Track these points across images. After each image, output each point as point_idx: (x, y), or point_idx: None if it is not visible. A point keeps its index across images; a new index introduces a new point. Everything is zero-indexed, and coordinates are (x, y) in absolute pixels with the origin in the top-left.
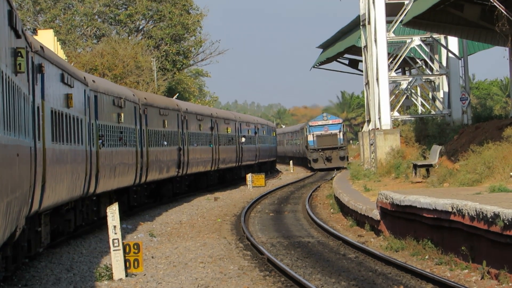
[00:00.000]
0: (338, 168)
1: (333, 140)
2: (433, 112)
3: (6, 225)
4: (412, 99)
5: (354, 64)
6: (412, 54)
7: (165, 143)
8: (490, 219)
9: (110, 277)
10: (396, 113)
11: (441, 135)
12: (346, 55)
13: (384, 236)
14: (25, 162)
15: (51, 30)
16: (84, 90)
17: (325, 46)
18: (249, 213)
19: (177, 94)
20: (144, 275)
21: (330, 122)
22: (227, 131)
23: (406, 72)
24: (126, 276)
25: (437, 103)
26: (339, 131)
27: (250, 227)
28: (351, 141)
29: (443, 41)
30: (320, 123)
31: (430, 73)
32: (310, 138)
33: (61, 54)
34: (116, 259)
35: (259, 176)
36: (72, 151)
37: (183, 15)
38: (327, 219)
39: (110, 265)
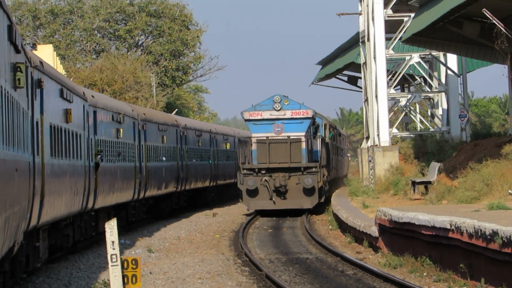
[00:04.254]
0: (302, 213)
1: (293, 151)
2: (432, 129)
3: (4, 240)
4: (411, 116)
5: (353, 80)
6: (411, 71)
7: (164, 158)
8: (489, 237)
9: None
10: (395, 130)
11: (440, 152)
12: (345, 72)
13: (383, 253)
14: (24, 177)
15: (51, 45)
16: (83, 106)
17: (324, 62)
18: (248, 229)
19: (176, 109)
20: None
21: (289, 113)
22: (226, 147)
23: (405, 89)
24: None
25: (436, 120)
26: (306, 135)
27: (248, 243)
28: (349, 157)
29: (442, 58)
30: (266, 114)
31: (429, 90)
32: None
33: (60, 69)
34: (114, 275)
35: None
36: (71, 166)
37: (183, 30)
38: (325, 235)
39: (108, 281)
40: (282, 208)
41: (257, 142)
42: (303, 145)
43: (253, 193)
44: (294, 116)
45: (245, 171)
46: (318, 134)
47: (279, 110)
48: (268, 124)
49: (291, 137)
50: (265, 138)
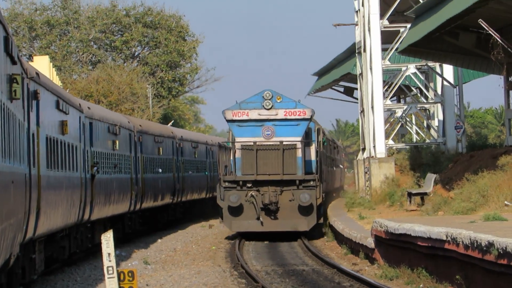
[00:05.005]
0: (296, 236)
1: (286, 161)
2: (427, 141)
3: (0, 252)
4: (407, 127)
5: (349, 91)
6: (407, 82)
7: (160, 170)
8: (485, 248)
9: None
10: (391, 141)
11: (436, 164)
12: (341, 83)
13: (379, 265)
14: (20, 189)
15: (47, 56)
16: (79, 117)
17: (321, 73)
18: (244, 241)
19: (172, 121)
20: None
21: (281, 113)
22: None
23: (401, 100)
24: None
25: (432, 131)
26: (302, 140)
27: (244, 255)
28: (346, 169)
29: (438, 69)
30: (254, 114)
31: (425, 101)
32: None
33: (56, 80)
34: (110, 287)
35: None
36: (67, 178)
37: (179, 42)
38: (321, 247)
39: None
40: (272, 230)
41: (242, 149)
42: (299, 152)
43: (236, 211)
44: (288, 117)
45: (226, 183)
46: (311, 140)
47: (270, 108)
48: (256, 126)
49: (284, 143)
50: (251, 143)
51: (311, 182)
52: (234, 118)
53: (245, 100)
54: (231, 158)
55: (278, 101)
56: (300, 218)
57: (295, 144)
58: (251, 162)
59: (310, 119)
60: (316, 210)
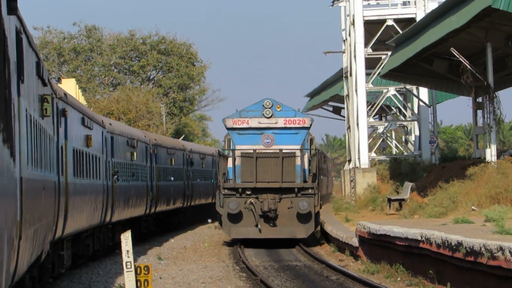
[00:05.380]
0: (295, 243)
1: (285, 169)
2: (405, 153)
3: (33, 249)
4: (388, 141)
5: (337, 110)
6: (388, 102)
7: (172, 178)
8: (454, 247)
9: None
10: (373, 154)
11: (412, 173)
12: (330, 103)
13: (362, 261)
14: (50, 195)
15: (73, 79)
16: (102, 132)
17: (312, 95)
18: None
19: (183, 135)
20: None
21: (281, 122)
22: None
23: (383, 118)
24: None
25: (409, 145)
26: (302, 148)
27: (245, 252)
28: (333, 178)
29: (415, 91)
30: (254, 122)
31: (403, 119)
32: (230, 162)
33: (82, 100)
34: (128, 280)
35: None
36: (91, 185)
37: (189, 67)
38: (312, 245)
39: (123, 285)
40: (270, 237)
41: (242, 156)
42: (298, 160)
43: (235, 218)
44: (288, 125)
45: (226, 191)
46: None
47: (270, 117)
48: (256, 134)
49: (283, 151)
50: (251, 151)
51: (310, 190)
52: (235, 126)
53: (245, 109)
54: (228, 166)
55: (278, 109)
56: (298, 226)
57: (294, 152)
58: (251, 169)
59: (309, 128)
60: (314, 217)
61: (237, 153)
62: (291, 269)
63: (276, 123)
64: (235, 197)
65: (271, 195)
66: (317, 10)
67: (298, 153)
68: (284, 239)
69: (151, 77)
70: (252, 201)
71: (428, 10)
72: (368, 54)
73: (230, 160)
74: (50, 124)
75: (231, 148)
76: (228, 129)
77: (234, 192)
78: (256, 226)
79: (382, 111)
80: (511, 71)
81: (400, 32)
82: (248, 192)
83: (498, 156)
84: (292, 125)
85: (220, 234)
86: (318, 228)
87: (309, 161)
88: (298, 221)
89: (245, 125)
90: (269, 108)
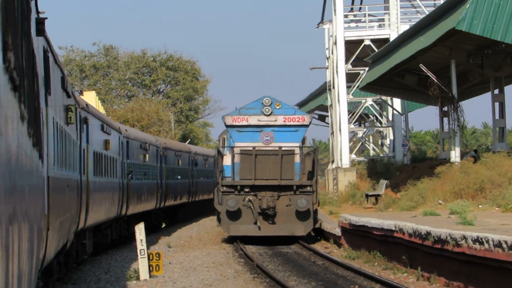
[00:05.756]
0: (293, 241)
1: (284, 166)
2: (381, 155)
3: (59, 238)
4: (366, 145)
5: (322, 118)
6: (366, 111)
7: (179, 177)
8: (424, 236)
9: (137, 278)
10: (353, 155)
11: (387, 172)
12: (316, 112)
13: (344, 248)
14: (74, 191)
15: (94, 92)
16: (119, 137)
17: (300, 105)
18: None
19: (189, 140)
20: (163, 276)
21: (281, 119)
22: None
23: (362, 124)
24: (150, 277)
25: (385, 148)
26: (301, 146)
27: (243, 241)
28: (319, 176)
29: (389, 101)
30: (253, 120)
31: (380, 125)
32: (226, 160)
33: (101, 109)
34: (142, 264)
35: None
36: (109, 183)
37: (193, 81)
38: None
39: (137, 269)
40: (269, 235)
41: (241, 154)
42: (297, 158)
43: (234, 215)
44: (288, 123)
45: (224, 188)
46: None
47: (269, 115)
48: (255, 131)
49: (283, 149)
50: (250, 148)
51: (308, 188)
52: (234, 123)
53: (244, 106)
54: (224, 163)
55: (277, 107)
56: (297, 223)
57: (293, 150)
58: (250, 167)
59: (308, 126)
60: (312, 215)
61: (236, 150)
62: (283, 255)
63: (275, 120)
64: (234, 194)
65: (269, 193)
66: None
67: (297, 150)
68: (283, 236)
69: (161, 90)
70: (251, 198)
71: (400, 31)
72: (348, 70)
73: (225, 158)
74: (74, 130)
75: (229, 145)
76: (228, 126)
77: (232, 190)
78: (255, 223)
79: (361, 119)
80: (472, 84)
81: (376, 50)
82: (247, 190)
83: (461, 157)
84: (291, 123)
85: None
86: (318, 225)
87: (303, 159)
88: (297, 218)
89: (244, 123)
90: (269, 105)
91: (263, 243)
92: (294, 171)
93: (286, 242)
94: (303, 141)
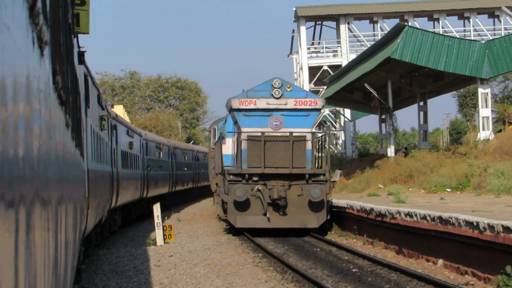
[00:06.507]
0: (304, 233)
1: (296, 153)
2: (336, 151)
3: (97, 215)
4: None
5: None
6: (324, 119)
7: (185, 169)
8: (368, 211)
9: (155, 244)
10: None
11: (341, 164)
12: None
13: None
14: (107, 180)
15: (121, 105)
16: (140, 139)
17: None
18: None
19: (192, 141)
20: (174, 242)
21: (291, 103)
22: None
23: (321, 128)
24: (164, 243)
25: (338, 146)
26: (312, 131)
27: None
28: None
29: (342, 111)
30: (262, 103)
31: (334, 129)
32: (229, 144)
33: (127, 119)
34: (158, 234)
35: None
36: (133, 174)
37: (196, 97)
38: None
39: (155, 237)
40: (280, 227)
41: (249, 140)
42: (308, 145)
43: (242, 206)
44: (299, 107)
45: (231, 176)
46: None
47: (279, 98)
48: (264, 116)
49: (294, 134)
50: (259, 134)
51: (321, 177)
52: (241, 107)
53: (252, 88)
54: (223, 152)
55: (288, 90)
56: (309, 214)
57: (305, 136)
58: (258, 154)
59: (320, 110)
60: (325, 206)
61: (243, 136)
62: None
63: (286, 104)
64: (242, 183)
65: (280, 182)
66: (278, 61)
67: (308, 136)
68: (294, 229)
69: (172, 103)
70: (260, 188)
71: (350, 59)
72: (311, 88)
73: (224, 146)
74: (106, 134)
75: (232, 129)
76: (234, 110)
77: (240, 178)
78: (265, 214)
79: (321, 124)
80: (403, 98)
81: (332, 73)
82: (255, 179)
83: (395, 153)
84: (303, 106)
85: (217, 204)
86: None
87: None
88: (309, 209)
89: (252, 106)
90: (279, 88)
91: (272, 235)
92: (306, 158)
93: (282, 233)
94: (320, 124)
